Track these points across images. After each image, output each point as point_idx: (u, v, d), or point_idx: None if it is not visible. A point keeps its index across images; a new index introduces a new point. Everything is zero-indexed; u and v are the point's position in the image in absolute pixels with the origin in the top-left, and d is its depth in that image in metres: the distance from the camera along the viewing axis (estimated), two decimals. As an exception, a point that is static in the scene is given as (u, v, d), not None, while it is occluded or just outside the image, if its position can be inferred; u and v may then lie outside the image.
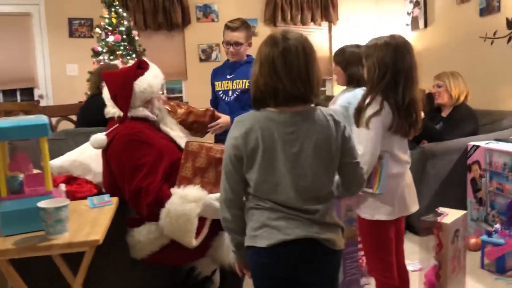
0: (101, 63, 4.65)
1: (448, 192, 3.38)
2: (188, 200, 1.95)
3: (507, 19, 3.81)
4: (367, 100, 1.87)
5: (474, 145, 3.27)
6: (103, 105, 3.44)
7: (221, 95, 3.02)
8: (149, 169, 2.02)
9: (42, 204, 1.48)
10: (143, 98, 2.21)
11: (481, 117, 3.72)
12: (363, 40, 6.14)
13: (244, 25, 2.95)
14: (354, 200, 1.96)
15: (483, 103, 3.94)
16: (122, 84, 2.20)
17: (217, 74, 3.13)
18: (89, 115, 3.42)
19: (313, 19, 5.99)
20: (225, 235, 2.09)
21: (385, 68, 1.84)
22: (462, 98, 3.57)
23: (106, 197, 1.90)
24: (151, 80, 2.22)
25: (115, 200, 1.92)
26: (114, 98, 2.24)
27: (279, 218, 1.43)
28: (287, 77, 1.40)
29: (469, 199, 3.34)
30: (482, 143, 3.23)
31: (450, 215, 2.45)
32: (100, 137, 2.12)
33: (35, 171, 1.74)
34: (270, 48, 1.43)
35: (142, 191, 1.98)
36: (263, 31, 5.96)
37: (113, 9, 4.83)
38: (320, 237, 1.44)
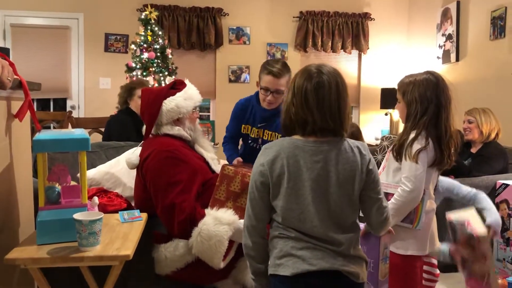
0: (133, 78, 4.78)
1: (474, 229, 3.32)
2: (221, 223, 1.97)
3: (542, 58, 3.78)
4: (412, 135, 1.88)
5: (503, 184, 3.21)
6: (126, 120, 3.55)
7: (250, 142, 2.82)
8: (184, 186, 2.05)
9: (77, 216, 1.52)
10: (170, 117, 2.26)
11: None
12: (391, 71, 6.19)
13: (286, 69, 2.55)
14: (387, 236, 1.95)
15: (514, 141, 3.88)
16: (152, 102, 2.27)
17: (246, 114, 2.76)
18: (113, 130, 3.53)
19: (343, 47, 6.04)
20: None
21: (427, 102, 1.87)
22: (493, 135, 3.53)
23: (137, 212, 1.93)
24: (180, 101, 2.27)
25: (144, 216, 1.95)
26: (142, 113, 2.33)
27: (304, 248, 1.44)
28: (318, 111, 1.44)
29: (496, 238, 3.26)
30: (511, 182, 3.17)
31: (471, 221, 2.26)
32: (134, 159, 2.19)
33: (72, 182, 1.79)
34: (304, 81, 1.48)
35: (176, 208, 2.00)
36: (293, 56, 6.05)
37: (149, 27, 4.96)
38: (344, 269, 1.44)
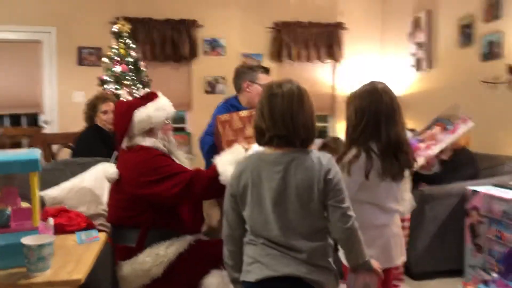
0: (107, 91, 4.72)
1: (446, 236, 3.34)
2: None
3: (509, 66, 3.83)
4: (347, 147, 1.88)
5: (473, 190, 3.24)
6: (93, 137, 3.51)
7: None
8: (183, 168, 2.23)
9: (25, 240, 1.47)
10: (141, 128, 2.27)
11: (482, 161, 3.71)
12: (366, 79, 6.22)
13: None
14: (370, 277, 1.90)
15: (484, 147, 3.92)
16: (123, 113, 2.29)
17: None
18: (80, 148, 3.48)
19: (318, 57, 6.06)
20: (221, 273, 2.09)
21: (363, 114, 1.85)
22: (462, 142, 3.57)
23: (95, 232, 1.89)
24: (152, 111, 2.28)
25: (102, 236, 1.91)
26: (115, 125, 2.37)
27: (270, 254, 1.52)
28: (270, 119, 1.54)
29: (467, 245, 3.28)
30: (481, 189, 3.20)
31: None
32: (112, 173, 2.24)
33: (25, 204, 1.74)
34: (263, 93, 1.62)
35: (191, 180, 2.13)
36: (268, 66, 6.04)
37: (121, 40, 4.92)
38: (307, 277, 1.49)
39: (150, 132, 2.30)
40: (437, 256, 3.36)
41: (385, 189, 1.88)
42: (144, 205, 2.18)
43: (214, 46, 5.94)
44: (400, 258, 1.97)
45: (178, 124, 6.00)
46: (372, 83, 1.94)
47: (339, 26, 6.08)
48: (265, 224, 1.52)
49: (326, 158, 1.53)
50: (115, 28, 4.93)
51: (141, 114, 2.25)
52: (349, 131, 1.93)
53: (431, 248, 3.35)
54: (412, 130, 4.06)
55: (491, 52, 4.08)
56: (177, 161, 2.37)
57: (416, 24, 5.24)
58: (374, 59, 6.19)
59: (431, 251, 3.36)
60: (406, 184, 2.53)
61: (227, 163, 2.11)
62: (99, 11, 5.66)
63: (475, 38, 4.30)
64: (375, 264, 1.61)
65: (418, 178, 3.46)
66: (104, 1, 5.70)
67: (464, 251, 3.30)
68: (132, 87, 4.89)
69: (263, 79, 2.89)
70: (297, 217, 1.50)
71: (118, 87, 4.85)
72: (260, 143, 1.61)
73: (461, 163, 3.54)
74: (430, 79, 5.07)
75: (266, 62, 6.03)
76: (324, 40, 6.05)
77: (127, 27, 4.94)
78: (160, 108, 2.32)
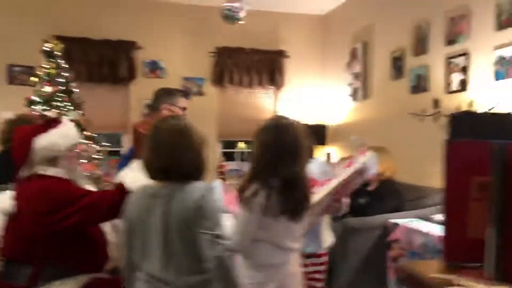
0: (37, 113, 4.51)
1: (369, 268, 3.33)
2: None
3: (434, 99, 3.94)
4: (248, 182, 1.82)
5: (393, 223, 3.25)
6: (9, 161, 3.32)
7: None
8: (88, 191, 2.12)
9: None
10: (43, 156, 2.12)
11: (408, 192, 3.75)
12: (307, 107, 6.26)
13: None
14: None
15: (411, 178, 3.99)
16: (22, 140, 2.15)
17: None
18: None
19: (260, 83, 6.08)
20: None
21: (265, 148, 1.82)
22: (388, 174, 3.60)
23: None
24: (56, 138, 2.15)
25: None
26: (13, 152, 2.20)
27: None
28: (153, 152, 1.60)
29: (390, 277, 3.27)
30: (402, 221, 3.21)
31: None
32: (7, 205, 2.10)
33: None
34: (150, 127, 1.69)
35: (95, 202, 2.01)
36: (210, 91, 6.01)
37: (53, 60, 4.74)
38: None
39: (52, 160, 2.16)
40: (362, 288, 3.34)
41: (283, 228, 1.83)
42: (41, 236, 2.03)
43: (154, 68, 5.84)
44: None
45: (114, 147, 5.82)
46: (278, 118, 1.93)
47: (281, 53, 6.13)
48: (148, 259, 1.54)
49: (203, 188, 1.55)
50: (47, 46, 4.75)
51: (42, 141, 2.12)
52: (252, 165, 1.89)
53: (355, 281, 3.33)
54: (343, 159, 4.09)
55: (419, 85, 4.19)
56: None
57: (353, 55, 5.36)
58: (315, 87, 6.26)
59: (354, 284, 3.33)
60: (323, 220, 2.50)
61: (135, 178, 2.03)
62: (34, 28, 5.45)
63: (405, 71, 4.42)
64: None
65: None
66: (40, 19, 5.50)
67: (387, 283, 3.28)
68: (62, 109, 4.71)
69: (182, 103, 2.90)
70: (178, 251, 1.51)
71: (47, 108, 4.66)
72: (148, 176, 1.62)
73: (386, 194, 3.56)
74: (365, 109, 5.16)
75: (208, 87, 6.00)
76: (266, 67, 6.08)
77: (59, 46, 4.78)
78: (64, 135, 2.20)
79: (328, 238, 2.55)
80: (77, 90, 4.88)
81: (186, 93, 3.07)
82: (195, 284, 1.51)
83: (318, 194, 2.01)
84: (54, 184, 2.10)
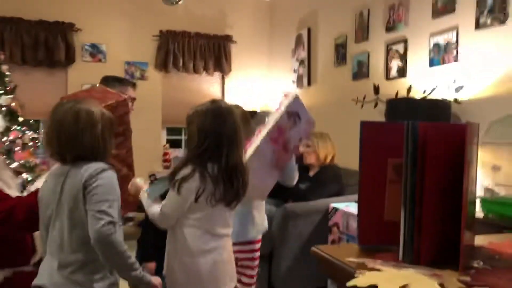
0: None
1: (309, 253, 3.34)
2: None
3: (374, 85, 4.00)
4: (185, 167, 1.79)
5: (334, 207, 3.28)
6: None
7: None
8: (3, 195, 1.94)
9: None
10: None
11: (350, 177, 3.80)
12: (254, 93, 6.22)
13: None
14: None
15: (352, 163, 4.03)
16: None
17: None
18: None
19: (205, 68, 5.97)
20: None
21: (205, 134, 1.78)
22: (328, 159, 3.63)
23: None
24: None
25: None
26: None
27: (43, 263, 1.62)
28: (50, 136, 1.60)
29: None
30: (341, 206, 3.25)
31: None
32: None
33: None
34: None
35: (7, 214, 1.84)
36: (154, 76, 5.85)
37: (-19, 41, 4.45)
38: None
39: None
40: (302, 274, 3.35)
41: (216, 214, 1.79)
42: None
43: (94, 52, 5.60)
44: (228, 284, 1.88)
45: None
46: (216, 102, 1.88)
47: (227, 38, 6.04)
48: (46, 238, 1.60)
49: (93, 168, 1.52)
50: (-26, 27, 4.44)
51: None
52: (189, 149, 1.85)
53: (295, 266, 3.34)
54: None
55: (360, 71, 4.24)
56: (5, 187, 2.08)
57: (298, 41, 5.35)
58: (262, 74, 6.23)
59: (295, 269, 3.34)
60: (261, 205, 2.47)
61: None
62: (-40, 7, 5.09)
63: (348, 57, 4.46)
64: (155, 280, 1.59)
65: (285, 195, 3.46)
66: (-33, -3, 5.14)
67: (327, 267, 3.32)
68: (-7, 92, 4.42)
69: (132, 93, 2.86)
70: (66, 229, 1.53)
71: (-25, 92, 4.36)
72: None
73: (326, 179, 3.59)
74: (309, 96, 5.17)
75: (152, 71, 5.83)
76: (212, 52, 5.97)
77: (-12, 27, 4.48)
78: None
79: (264, 223, 2.53)
80: (9, 73, 4.60)
81: (135, 84, 3.01)
82: (74, 262, 1.52)
83: (250, 147, 2.00)
84: None
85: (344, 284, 0.89)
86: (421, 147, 0.96)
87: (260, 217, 2.44)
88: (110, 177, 1.54)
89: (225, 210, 1.82)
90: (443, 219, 1.01)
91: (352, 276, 0.91)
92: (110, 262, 1.52)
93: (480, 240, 1.24)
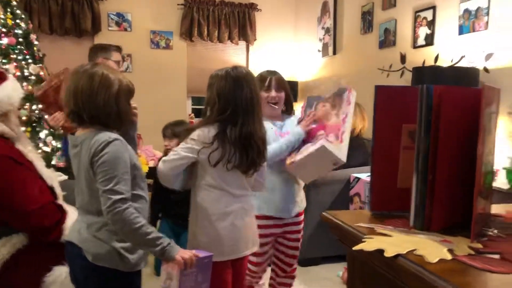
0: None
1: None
2: None
3: (401, 54, 3.89)
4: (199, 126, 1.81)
5: (356, 177, 3.26)
6: None
7: None
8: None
9: None
10: None
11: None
12: (279, 62, 6.12)
13: None
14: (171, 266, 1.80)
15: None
16: None
17: None
18: None
19: (230, 38, 5.92)
20: (64, 269, 1.96)
21: (222, 99, 1.78)
22: (356, 133, 3.58)
23: None
24: (10, 92, 2.03)
25: None
26: None
27: (75, 221, 1.70)
28: (70, 95, 1.59)
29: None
30: (363, 176, 3.23)
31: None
32: None
33: None
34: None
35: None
36: (179, 45, 5.84)
37: (9, 10, 4.50)
38: (78, 244, 1.59)
39: (3, 115, 2.04)
40: (323, 241, 3.38)
41: (231, 177, 1.82)
42: None
43: (120, 21, 5.62)
44: (250, 248, 1.91)
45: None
46: (237, 68, 1.86)
47: (252, 6, 5.95)
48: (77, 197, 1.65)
49: (99, 142, 1.51)
50: (2, -4, 4.50)
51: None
52: (207, 112, 1.85)
53: (317, 234, 3.36)
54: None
55: (387, 39, 4.12)
56: (26, 151, 2.13)
57: (324, 9, 5.23)
58: (288, 43, 6.14)
59: (317, 237, 3.37)
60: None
61: None
62: (-11, -24, 5.14)
63: (375, 25, 4.34)
64: (185, 253, 1.55)
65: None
66: (-5, -34, 5.19)
67: (348, 236, 3.33)
68: (22, 62, 4.51)
69: (116, 56, 2.99)
70: (85, 196, 1.57)
71: (6, 61, 4.46)
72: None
73: (352, 149, 3.54)
74: (335, 65, 5.09)
75: (176, 40, 5.82)
76: (237, 20, 5.90)
77: (15, -5, 4.53)
78: (16, 89, 2.08)
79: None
80: (37, 43, 4.68)
81: (119, 48, 3.12)
82: (99, 222, 1.56)
83: (346, 132, 2.08)
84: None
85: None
86: (436, 112, 0.93)
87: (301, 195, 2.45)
88: (115, 150, 1.51)
89: (241, 176, 1.83)
90: (456, 186, 0.99)
91: (361, 241, 0.91)
92: (127, 238, 1.53)
93: (498, 209, 1.22)
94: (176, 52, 5.83)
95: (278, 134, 2.23)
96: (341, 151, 2.06)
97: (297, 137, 2.14)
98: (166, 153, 2.90)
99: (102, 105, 1.54)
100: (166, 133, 3.14)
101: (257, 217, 2.04)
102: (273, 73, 2.28)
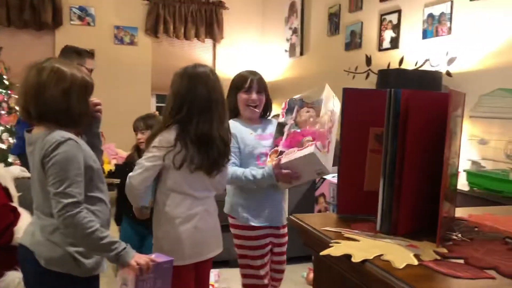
0: None
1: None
2: None
3: (366, 56, 3.94)
4: (164, 130, 1.75)
5: (321, 178, 3.27)
6: None
7: None
8: None
9: None
10: None
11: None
12: (246, 61, 6.10)
13: None
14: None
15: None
16: None
17: None
18: None
19: (197, 35, 5.85)
20: (13, 276, 1.89)
21: (182, 99, 1.73)
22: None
23: None
24: None
25: None
26: None
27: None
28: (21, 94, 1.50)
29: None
30: (328, 176, 3.24)
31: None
32: None
33: None
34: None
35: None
36: (144, 41, 5.73)
37: (-37, 0, 4.31)
38: (30, 248, 1.51)
39: None
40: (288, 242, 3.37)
41: (195, 179, 1.78)
42: None
43: (82, 15, 5.46)
44: (214, 251, 1.87)
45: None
46: (196, 66, 1.81)
47: (219, 4, 5.90)
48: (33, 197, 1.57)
49: (49, 143, 1.43)
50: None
51: None
52: (166, 112, 1.80)
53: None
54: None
55: (353, 42, 4.17)
56: None
57: (292, 9, 5.24)
58: (255, 42, 6.12)
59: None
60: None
61: None
62: None
63: (341, 27, 4.38)
64: (141, 258, 1.48)
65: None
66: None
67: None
68: (-23, 54, 4.32)
69: (90, 63, 2.84)
70: (39, 197, 1.50)
71: (-42, 53, 4.25)
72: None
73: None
74: (301, 66, 5.11)
75: (141, 37, 5.71)
76: (204, 18, 5.84)
77: (-30, -15, 4.33)
78: None
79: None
80: (-7, 35, 4.49)
81: (92, 54, 3.13)
82: (52, 224, 1.47)
83: (332, 142, 1.99)
84: None
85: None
86: (403, 116, 0.93)
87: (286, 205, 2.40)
88: (66, 151, 1.42)
89: (205, 178, 1.79)
90: (422, 190, 0.99)
91: (328, 246, 0.90)
92: (80, 243, 1.46)
93: (461, 212, 1.23)
94: (140, 49, 5.71)
95: (258, 139, 2.11)
96: (327, 162, 1.93)
97: (266, 180, 1.93)
98: (138, 146, 2.81)
99: (49, 101, 1.45)
100: (139, 126, 3.02)
101: (255, 228, 2.02)
102: (254, 73, 2.14)
